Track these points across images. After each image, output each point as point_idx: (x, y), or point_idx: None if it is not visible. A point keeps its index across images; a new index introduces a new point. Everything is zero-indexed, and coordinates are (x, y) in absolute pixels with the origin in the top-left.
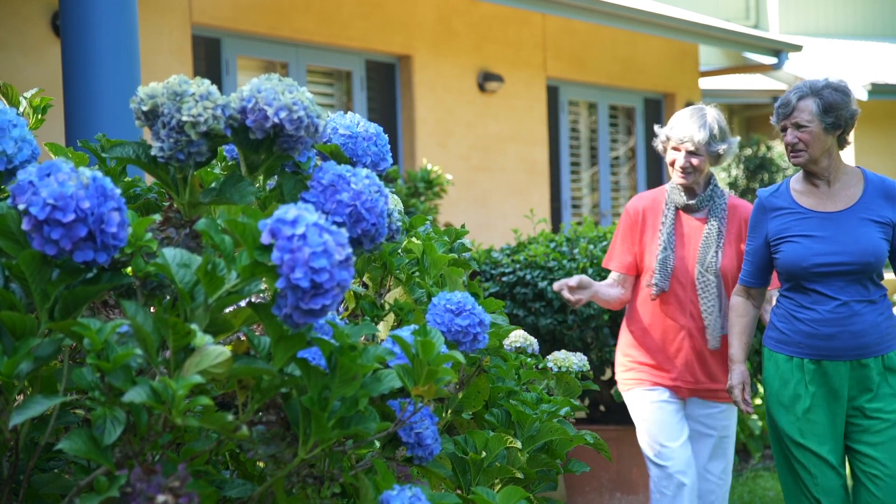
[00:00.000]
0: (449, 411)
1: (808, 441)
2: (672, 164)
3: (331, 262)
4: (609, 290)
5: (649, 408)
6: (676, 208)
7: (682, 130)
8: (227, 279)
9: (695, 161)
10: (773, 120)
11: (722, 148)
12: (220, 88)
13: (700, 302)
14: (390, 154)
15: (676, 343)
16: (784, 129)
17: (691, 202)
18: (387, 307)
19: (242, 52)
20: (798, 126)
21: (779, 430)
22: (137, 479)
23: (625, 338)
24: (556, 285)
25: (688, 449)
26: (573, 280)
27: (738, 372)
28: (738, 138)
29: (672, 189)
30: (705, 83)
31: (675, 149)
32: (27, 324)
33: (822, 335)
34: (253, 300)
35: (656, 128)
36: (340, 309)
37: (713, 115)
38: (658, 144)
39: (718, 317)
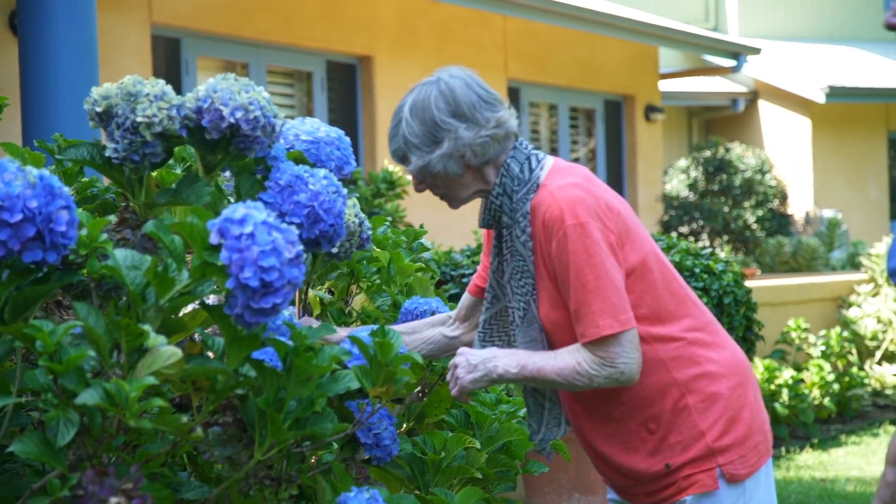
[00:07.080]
0: (412, 420)
1: None
2: None
3: (280, 260)
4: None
5: None
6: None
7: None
8: (178, 280)
9: (425, 183)
10: None
11: (427, 160)
12: (179, 89)
13: None
14: (353, 157)
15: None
16: None
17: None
18: (354, 315)
19: (203, 52)
20: None
21: None
22: (89, 482)
23: None
24: None
25: None
26: None
27: None
28: (485, 116)
29: None
30: (665, 85)
31: None
32: None
33: None
34: (213, 301)
35: None
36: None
37: (411, 105)
38: None
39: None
